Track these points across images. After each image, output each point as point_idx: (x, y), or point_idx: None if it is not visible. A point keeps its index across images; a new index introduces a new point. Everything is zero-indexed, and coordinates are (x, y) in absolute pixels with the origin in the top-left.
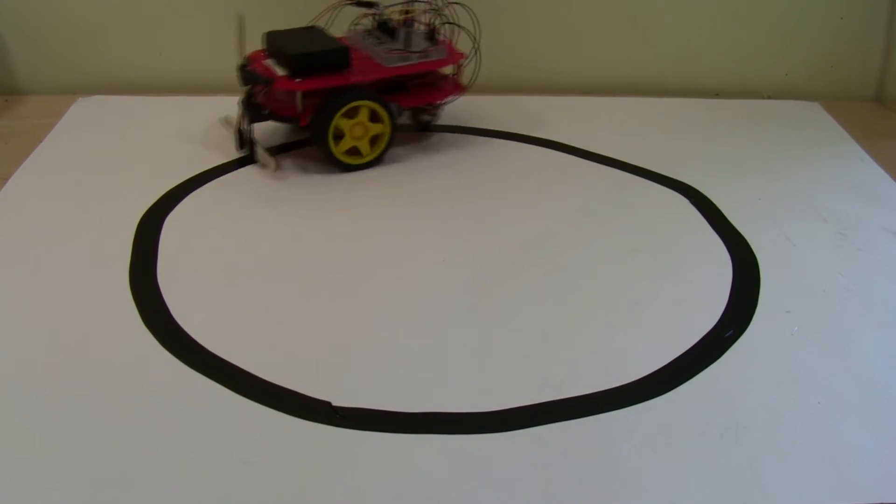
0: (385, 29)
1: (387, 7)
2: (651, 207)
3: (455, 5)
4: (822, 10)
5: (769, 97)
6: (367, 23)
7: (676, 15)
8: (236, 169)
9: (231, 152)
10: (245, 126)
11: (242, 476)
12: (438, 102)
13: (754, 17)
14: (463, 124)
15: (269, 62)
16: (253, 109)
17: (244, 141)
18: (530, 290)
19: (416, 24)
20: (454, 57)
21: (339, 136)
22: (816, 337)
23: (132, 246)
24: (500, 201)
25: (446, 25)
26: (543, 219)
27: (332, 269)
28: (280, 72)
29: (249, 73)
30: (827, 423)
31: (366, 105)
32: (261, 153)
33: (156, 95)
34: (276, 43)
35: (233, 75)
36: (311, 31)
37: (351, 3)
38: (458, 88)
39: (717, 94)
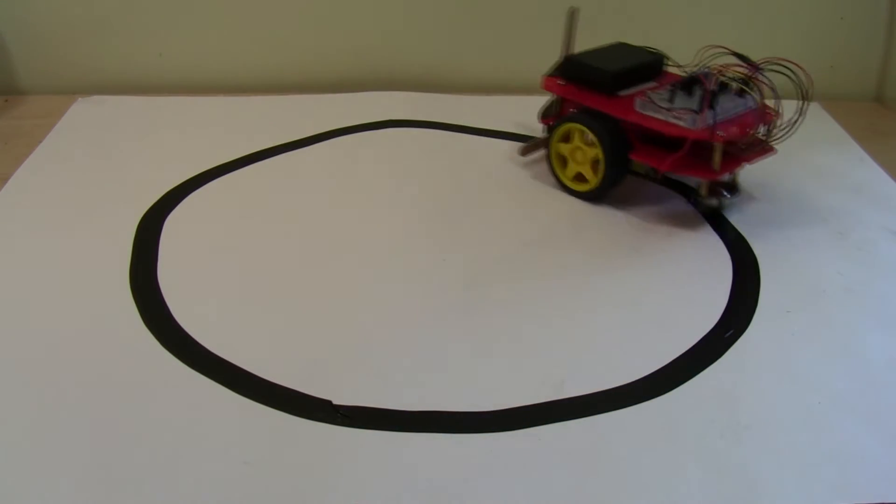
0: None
1: (746, 64)
2: (651, 207)
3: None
4: (822, 10)
5: None
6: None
7: (676, 15)
8: (236, 169)
9: (230, 152)
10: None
11: (242, 476)
12: (659, 169)
13: (754, 17)
14: (463, 124)
15: None
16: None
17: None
18: (530, 289)
19: (700, 83)
20: (698, 133)
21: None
22: (816, 337)
23: (132, 246)
24: (500, 200)
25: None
26: (543, 218)
27: (332, 268)
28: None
29: (556, 68)
30: (827, 423)
31: (577, 129)
32: (536, 138)
33: (156, 95)
34: (598, 51)
35: (232, 76)
36: (638, 54)
37: (727, 51)
38: (700, 171)
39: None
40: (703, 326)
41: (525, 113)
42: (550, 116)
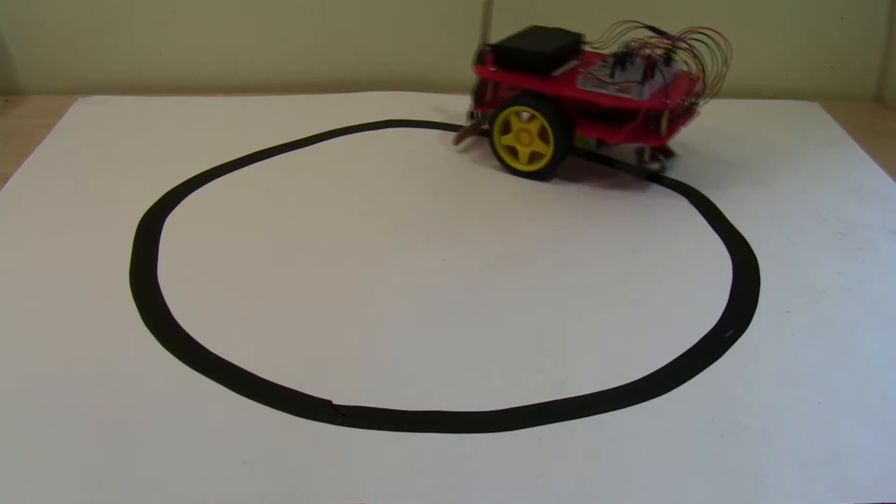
0: (623, 55)
1: (656, 37)
2: (651, 207)
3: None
4: (822, 10)
5: (769, 97)
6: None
7: (676, 15)
8: (236, 169)
9: (230, 152)
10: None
11: (242, 476)
12: (613, 142)
13: (754, 16)
14: (462, 124)
15: None
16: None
17: (471, 113)
18: (530, 289)
19: (632, 57)
20: (651, 104)
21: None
22: (816, 337)
23: (132, 246)
24: (500, 200)
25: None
26: (543, 218)
27: (332, 268)
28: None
29: (478, 55)
30: (827, 423)
31: (539, 117)
32: (466, 126)
33: (156, 95)
34: (520, 35)
35: (232, 76)
36: (563, 37)
37: (640, 25)
38: (648, 138)
39: (716, 94)
40: (703, 326)
41: None
42: (486, 103)
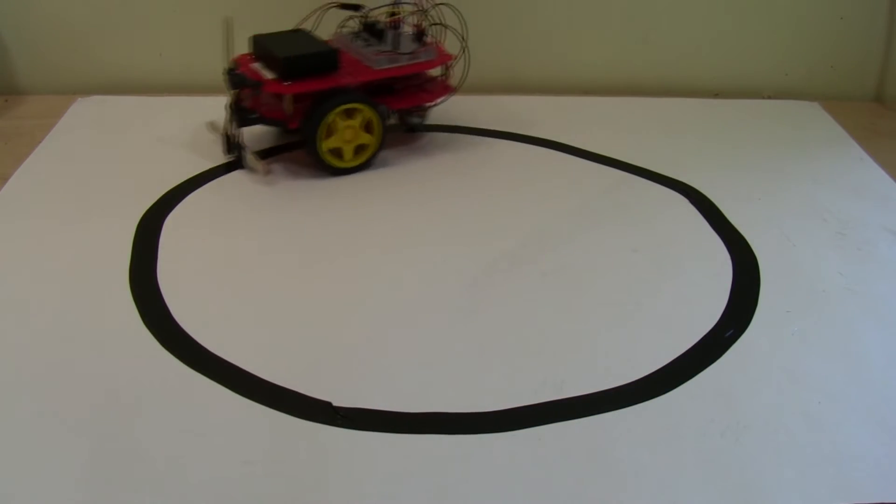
0: (372, 31)
1: (371, 9)
2: (651, 207)
3: (441, 6)
4: (822, 10)
5: (769, 97)
6: (353, 25)
7: (676, 15)
8: (236, 169)
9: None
10: (233, 130)
11: (242, 476)
12: (427, 104)
13: (754, 17)
14: (463, 125)
15: (257, 66)
16: (241, 113)
17: (232, 145)
18: (530, 289)
19: (403, 26)
20: (443, 58)
21: (329, 135)
22: (816, 337)
23: (132, 246)
24: (500, 201)
25: (434, 26)
26: (543, 219)
27: (333, 269)
28: (268, 75)
29: (237, 77)
30: (827, 423)
31: (361, 110)
32: (249, 158)
33: (156, 95)
34: (264, 46)
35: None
36: (298, 34)
37: (336, 6)
38: (447, 89)
39: (716, 94)
40: (703, 326)
41: (525, 113)
42: (291, 119)
